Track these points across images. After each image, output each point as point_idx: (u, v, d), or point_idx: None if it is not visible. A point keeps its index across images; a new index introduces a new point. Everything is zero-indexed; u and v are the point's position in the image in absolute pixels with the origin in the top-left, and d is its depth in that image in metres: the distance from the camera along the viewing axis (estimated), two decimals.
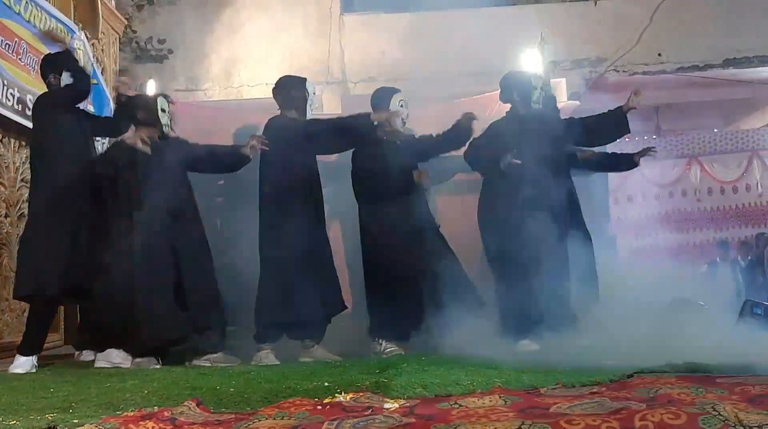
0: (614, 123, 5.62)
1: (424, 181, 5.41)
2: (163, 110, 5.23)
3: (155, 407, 3.21)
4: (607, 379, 3.20)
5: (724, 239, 10.61)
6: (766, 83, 11.94)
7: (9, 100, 5.73)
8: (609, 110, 5.66)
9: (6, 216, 5.87)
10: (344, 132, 5.41)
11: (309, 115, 5.49)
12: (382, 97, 5.69)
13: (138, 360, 4.97)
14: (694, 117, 12.33)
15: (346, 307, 5.42)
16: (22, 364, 4.92)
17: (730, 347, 3.77)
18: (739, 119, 13.45)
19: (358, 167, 5.49)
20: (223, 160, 5.39)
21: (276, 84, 5.59)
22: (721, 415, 2.11)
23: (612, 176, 11.53)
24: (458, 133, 5.65)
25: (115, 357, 5.05)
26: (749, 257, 9.53)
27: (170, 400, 3.36)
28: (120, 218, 5.08)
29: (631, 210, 11.47)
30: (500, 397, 2.84)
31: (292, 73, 5.78)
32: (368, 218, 5.43)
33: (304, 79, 5.56)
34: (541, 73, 6.32)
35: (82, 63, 6.26)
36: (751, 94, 12.23)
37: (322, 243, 5.38)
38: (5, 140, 5.87)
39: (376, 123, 5.33)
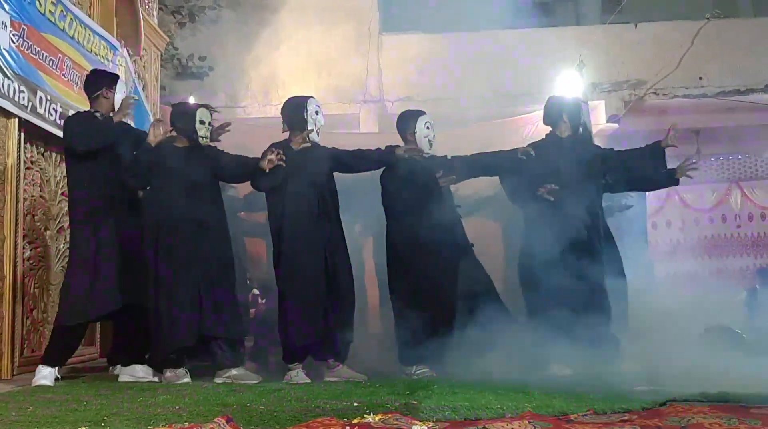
0: (651, 159, 5.56)
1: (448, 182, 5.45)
2: (202, 122, 5.27)
3: (186, 423, 3.23)
4: (639, 407, 3.16)
5: (765, 266, 10.44)
6: None
7: (52, 115, 5.81)
8: (647, 146, 5.59)
9: (46, 229, 5.95)
10: (366, 163, 5.52)
11: (314, 136, 5.42)
12: (408, 118, 5.69)
13: (168, 375, 5.00)
14: (734, 141, 12.15)
15: (351, 339, 5.35)
16: (46, 376, 4.95)
17: (764, 376, 3.69)
18: None
19: (387, 185, 5.50)
20: (244, 171, 5.37)
21: (283, 105, 5.62)
22: None
23: (650, 200, 11.49)
24: (503, 161, 5.65)
25: (138, 371, 5.11)
26: None
27: (201, 417, 3.38)
28: (147, 228, 5.17)
29: (670, 235, 11.35)
30: (529, 422, 2.83)
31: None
32: (396, 236, 5.44)
33: (306, 99, 5.49)
34: (581, 97, 6.26)
35: (124, 79, 6.38)
36: None
37: (341, 262, 5.37)
38: (47, 154, 5.96)
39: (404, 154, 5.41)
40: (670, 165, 5.71)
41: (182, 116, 5.32)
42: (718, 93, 11.04)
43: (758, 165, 11.53)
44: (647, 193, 9.61)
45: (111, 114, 5.32)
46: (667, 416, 2.82)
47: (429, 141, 5.60)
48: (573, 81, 9.36)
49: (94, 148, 5.15)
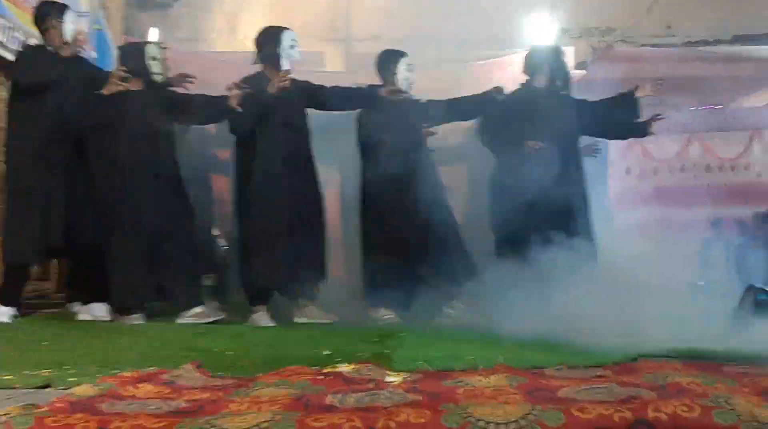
0: (626, 109, 5.59)
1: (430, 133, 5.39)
2: (154, 59, 5.11)
3: (152, 367, 3.18)
4: (610, 362, 3.17)
5: (719, 217, 10.58)
6: None
7: (13, 44, 5.59)
8: (621, 95, 5.57)
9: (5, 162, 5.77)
10: (347, 101, 5.37)
11: (286, 67, 5.22)
12: (389, 59, 5.57)
13: (126, 315, 4.93)
14: (698, 92, 12.21)
15: (326, 277, 5.32)
16: (3, 313, 4.88)
17: (733, 333, 3.74)
18: (743, 96, 13.34)
19: (365, 125, 5.40)
20: (207, 112, 5.24)
21: (255, 36, 5.41)
22: (735, 410, 2.08)
23: (612, 149, 11.52)
24: (477, 105, 5.62)
25: (97, 310, 5.04)
26: (744, 236, 9.50)
27: (167, 361, 3.32)
28: (99, 172, 5.06)
29: (628, 183, 11.41)
30: (505, 376, 2.81)
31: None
32: (371, 180, 5.34)
33: (282, 31, 5.30)
34: (560, 46, 6.17)
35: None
36: (756, 72, 12.13)
37: (312, 202, 5.30)
38: (7, 84, 5.74)
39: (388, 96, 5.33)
40: None
41: (131, 56, 5.15)
42: (686, 43, 11.05)
43: (721, 117, 11.60)
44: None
45: (64, 45, 5.09)
46: (642, 372, 2.83)
47: (409, 83, 5.49)
48: (544, 26, 9.28)
49: (35, 82, 4.95)
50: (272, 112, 5.08)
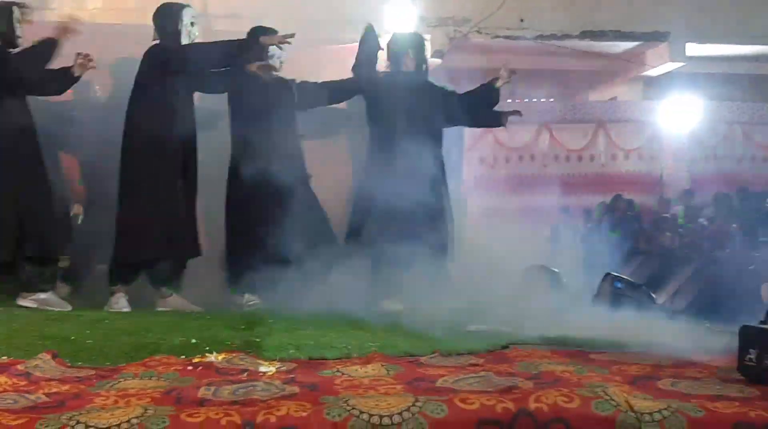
0: (487, 97, 5.72)
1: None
2: (18, 21, 4.82)
3: (3, 357, 2.98)
4: (482, 349, 3.22)
5: (567, 205, 11.03)
6: (617, 57, 12.45)
7: None
8: (483, 85, 5.72)
9: None
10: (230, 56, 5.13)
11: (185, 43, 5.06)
12: (169, 12, 5.31)
13: None
14: (547, 84, 12.67)
15: (200, 253, 5.19)
16: None
17: (594, 320, 3.88)
18: (589, 90, 13.98)
19: (235, 106, 5.27)
20: (51, 81, 4.94)
21: (154, 12, 5.16)
22: (613, 399, 2.15)
23: (466, 137, 11.76)
24: (343, 89, 5.61)
25: None
26: (590, 224, 9.95)
27: (20, 350, 3.13)
28: None
29: (481, 171, 11.69)
30: (382, 365, 2.80)
31: (150, 2, 5.35)
32: (239, 160, 5.19)
33: (182, 7, 5.12)
34: (420, 33, 6.22)
35: None
36: (602, 67, 12.72)
37: (187, 183, 5.09)
38: None
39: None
40: None
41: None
42: (537, 36, 11.41)
43: (567, 109, 12.09)
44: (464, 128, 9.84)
45: None
46: (515, 361, 2.89)
47: (280, 62, 5.37)
48: (402, 13, 9.34)
49: None
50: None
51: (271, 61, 5.28)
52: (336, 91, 5.62)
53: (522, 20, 11.36)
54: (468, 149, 11.61)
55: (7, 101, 4.78)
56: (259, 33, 5.33)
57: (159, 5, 5.15)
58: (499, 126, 6.14)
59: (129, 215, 4.90)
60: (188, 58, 5.00)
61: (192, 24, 5.10)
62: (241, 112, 5.24)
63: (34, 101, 5.05)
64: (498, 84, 5.65)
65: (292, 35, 5.06)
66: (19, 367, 2.79)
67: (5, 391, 2.48)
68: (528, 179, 11.62)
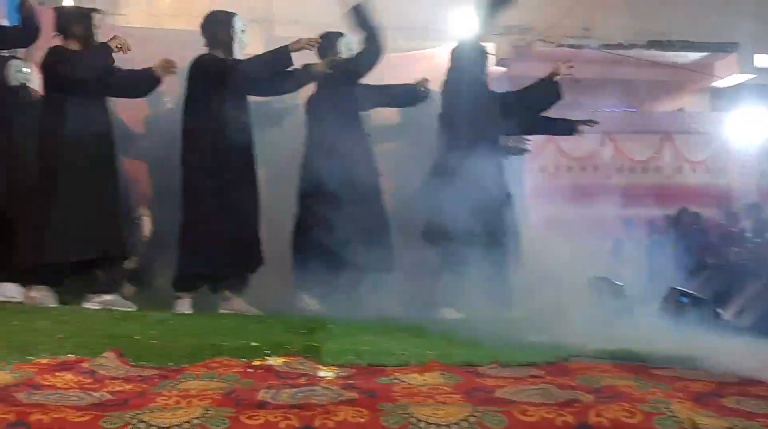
0: (547, 93, 5.64)
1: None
2: (96, 27, 4.95)
3: (70, 355, 3.04)
4: (542, 360, 3.18)
5: (630, 217, 10.87)
6: (684, 67, 12.24)
7: None
8: (539, 80, 5.67)
9: None
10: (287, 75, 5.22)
11: (237, 55, 5.14)
12: (331, 39, 5.45)
13: (33, 294, 4.70)
14: (612, 94, 12.53)
15: (263, 262, 5.23)
16: None
17: (658, 335, 3.81)
18: (655, 100, 13.77)
19: (313, 111, 5.37)
20: (133, 83, 5.06)
21: (203, 19, 5.26)
22: (676, 416, 2.10)
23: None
24: (409, 93, 5.65)
25: (9, 290, 4.81)
26: (655, 236, 9.79)
27: (86, 349, 3.19)
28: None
29: (544, 181, 11.60)
30: (440, 374, 2.79)
31: (215, 7, 5.43)
32: (313, 162, 5.26)
33: (233, 15, 5.20)
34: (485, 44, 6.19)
35: None
36: (669, 77, 12.52)
37: (249, 193, 5.16)
38: None
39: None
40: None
41: (79, 21, 4.94)
42: (602, 46, 11.29)
43: (632, 119, 11.93)
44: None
45: None
46: (576, 374, 2.84)
47: (243, 42, 5.38)
48: (466, 21, 9.32)
49: None
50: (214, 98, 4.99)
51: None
52: (394, 96, 5.63)
53: (587, 29, 11.26)
54: (530, 158, 11.54)
55: (87, 102, 4.89)
56: (331, 37, 5.41)
57: (208, 13, 5.22)
58: (570, 134, 6.09)
59: (193, 228, 4.98)
60: (241, 70, 5.05)
61: (243, 31, 5.16)
62: (317, 112, 5.29)
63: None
64: (556, 77, 5.57)
65: (318, 39, 5.18)
66: (84, 364, 2.85)
67: (71, 388, 2.54)
68: (590, 190, 11.47)
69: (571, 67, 5.63)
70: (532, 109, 5.73)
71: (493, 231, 5.13)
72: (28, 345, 3.23)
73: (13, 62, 5.23)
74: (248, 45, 5.26)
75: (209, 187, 4.97)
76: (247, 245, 5.08)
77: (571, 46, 11.31)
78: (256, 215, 5.17)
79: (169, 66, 4.88)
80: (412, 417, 2.12)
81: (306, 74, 5.26)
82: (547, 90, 5.63)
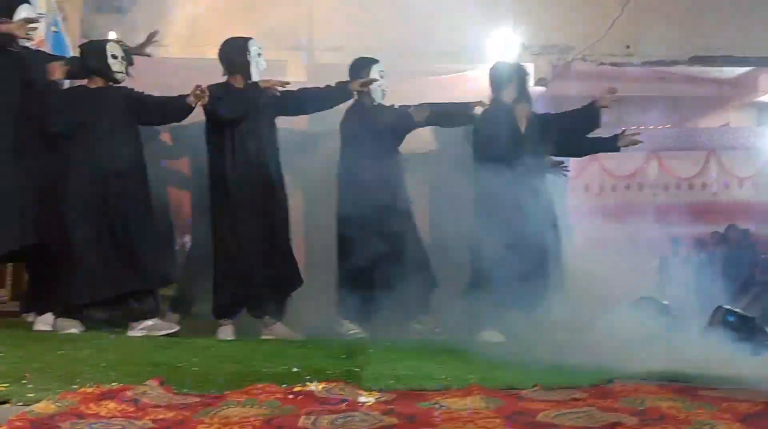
0: (587, 119, 5.54)
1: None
2: (114, 56, 5.00)
3: (114, 383, 3.07)
4: (585, 383, 3.14)
5: (677, 236, 10.71)
6: (728, 83, 12.06)
7: None
8: (583, 106, 5.57)
9: None
10: (316, 102, 5.29)
11: (256, 78, 5.16)
12: (361, 66, 5.51)
13: (59, 321, 4.77)
14: (655, 111, 12.39)
15: (302, 282, 5.25)
16: None
17: (704, 355, 3.73)
18: (699, 116, 13.57)
19: (347, 133, 5.36)
20: (166, 109, 5.09)
21: (220, 48, 5.31)
22: None
23: (571, 164, 11.57)
24: (454, 115, 5.57)
25: (44, 321, 4.88)
26: (702, 255, 9.62)
27: (130, 377, 3.22)
28: (63, 168, 4.91)
29: (587, 199, 11.49)
30: (481, 398, 2.76)
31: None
32: (348, 189, 5.27)
33: (247, 40, 5.22)
34: (524, 64, 6.15)
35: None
36: (712, 93, 12.33)
37: (281, 217, 5.18)
38: None
39: (355, 94, 5.27)
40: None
41: (93, 53, 5.02)
42: (644, 63, 11.18)
43: (678, 136, 11.77)
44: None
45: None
46: (619, 396, 2.80)
47: (382, 90, 5.45)
48: (505, 42, 9.32)
49: None
50: (244, 118, 5.02)
51: (373, 92, 5.38)
52: (447, 117, 5.61)
53: (628, 47, 11.17)
54: (573, 177, 11.44)
55: (122, 129, 4.98)
56: (360, 64, 5.44)
57: (223, 41, 5.29)
58: (612, 151, 5.97)
59: (227, 258, 5.01)
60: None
61: (259, 55, 5.20)
62: (352, 139, 5.32)
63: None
64: (599, 104, 5.50)
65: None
66: (128, 393, 2.87)
67: (114, 416, 2.56)
68: (636, 208, 11.32)
69: (615, 94, 5.53)
70: (571, 132, 5.65)
71: (535, 253, 5.06)
72: (74, 373, 3.27)
73: None
74: (265, 67, 5.27)
75: (238, 218, 5.01)
76: (282, 266, 5.09)
77: (613, 64, 11.20)
78: (287, 236, 5.18)
79: (202, 94, 4.93)
80: None
81: (342, 93, 5.32)
82: (588, 116, 5.53)
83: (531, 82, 9.71)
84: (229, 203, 5.04)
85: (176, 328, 4.87)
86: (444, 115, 5.57)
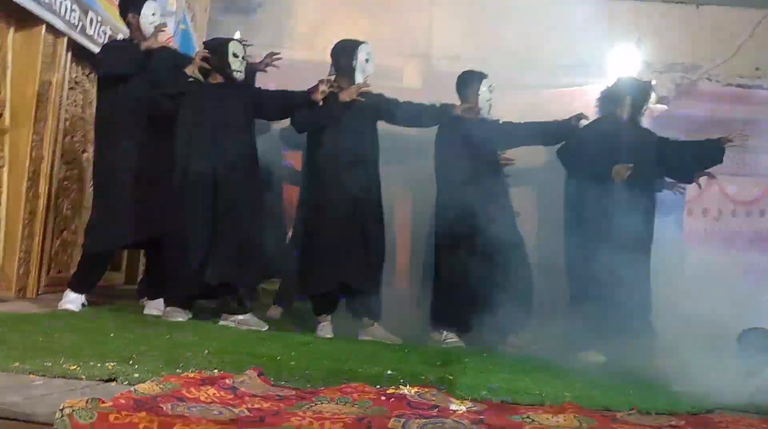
0: (711, 154, 5.31)
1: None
2: (235, 55, 5.14)
3: (215, 370, 3.17)
4: (684, 411, 3.04)
5: None
6: None
7: (101, 37, 5.72)
8: (708, 139, 5.35)
9: (83, 151, 5.88)
10: (418, 119, 5.36)
11: (359, 81, 5.21)
12: (470, 80, 5.51)
13: (167, 310, 4.97)
14: None
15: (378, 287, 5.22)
16: (72, 300, 4.96)
17: None
18: None
19: (442, 150, 5.35)
20: (287, 105, 5.22)
21: (332, 48, 5.39)
22: None
23: (689, 187, 11.20)
24: (559, 130, 5.44)
25: (155, 306, 5.12)
26: None
27: (230, 365, 3.32)
28: (176, 161, 5.08)
29: (704, 224, 11.11)
30: (574, 417, 2.71)
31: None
32: (446, 200, 5.25)
33: (358, 44, 5.28)
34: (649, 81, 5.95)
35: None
36: None
37: (373, 217, 5.18)
38: (92, 76, 5.88)
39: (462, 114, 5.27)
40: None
41: (214, 51, 5.18)
42: None
43: None
44: None
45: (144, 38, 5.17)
46: (719, 426, 2.71)
47: (489, 104, 5.43)
48: (628, 58, 9.12)
49: (114, 74, 5.07)
50: (342, 120, 5.09)
51: (481, 106, 5.36)
52: (546, 134, 5.52)
53: (757, 68, 10.76)
54: (690, 200, 11.08)
55: (239, 126, 5.15)
56: (469, 79, 5.43)
57: (337, 42, 5.36)
58: (717, 162, 5.64)
59: (307, 252, 5.11)
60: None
61: (366, 60, 5.24)
62: (449, 157, 5.31)
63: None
64: (726, 143, 5.27)
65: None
66: (227, 381, 2.96)
67: (213, 402, 2.64)
68: (756, 236, 10.87)
69: (746, 136, 5.32)
70: (690, 162, 5.43)
71: (636, 275, 4.92)
72: (178, 358, 3.40)
73: None
74: (372, 72, 5.31)
75: (321, 215, 5.10)
76: (369, 264, 5.11)
77: (739, 86, 10.79)
78: (380, 235, 5.19)
79: (327, 88, 5.03)
80: None
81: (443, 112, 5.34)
82: (712, 151, 5.31)
83: (652, 99, 9.56)
84: (320, 200, 5.11)
85: (264, 327, 4.97)
86: (544, 135, 5.48)
